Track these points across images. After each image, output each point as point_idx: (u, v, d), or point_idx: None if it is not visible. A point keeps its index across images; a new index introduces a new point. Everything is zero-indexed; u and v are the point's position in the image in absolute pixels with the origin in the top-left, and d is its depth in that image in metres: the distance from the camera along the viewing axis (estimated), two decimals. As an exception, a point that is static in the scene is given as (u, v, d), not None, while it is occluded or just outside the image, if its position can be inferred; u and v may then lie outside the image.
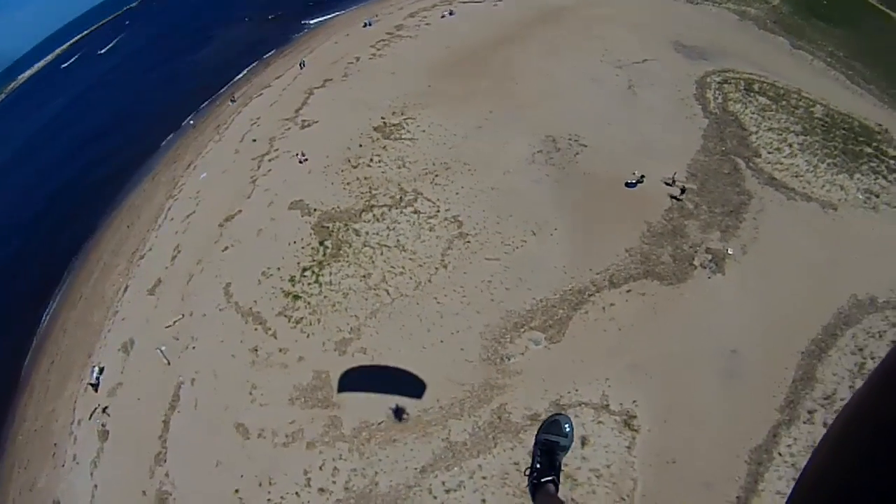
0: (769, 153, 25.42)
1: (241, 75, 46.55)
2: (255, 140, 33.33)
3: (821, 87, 30.88)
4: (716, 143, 26.17)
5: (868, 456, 0.53)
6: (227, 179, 30.66)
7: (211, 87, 45.11)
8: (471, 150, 27.08)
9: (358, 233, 23.37)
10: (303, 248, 23.66)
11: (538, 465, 2.33)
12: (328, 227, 24.07)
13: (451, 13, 44.03)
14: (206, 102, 43.54)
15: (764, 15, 39.61)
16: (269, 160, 30.73)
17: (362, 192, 25.53)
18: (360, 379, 18.43)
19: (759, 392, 17.37)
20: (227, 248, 25.56)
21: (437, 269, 20.99)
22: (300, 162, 28.29)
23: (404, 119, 30.49)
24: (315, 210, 25.34)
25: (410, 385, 17.87)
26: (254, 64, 47.67)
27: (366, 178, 26.41)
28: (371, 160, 27.65)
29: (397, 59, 38.39)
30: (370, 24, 44.91)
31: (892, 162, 26.07)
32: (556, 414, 2.45)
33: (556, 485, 2.33)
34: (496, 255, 21.03)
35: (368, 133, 30.04)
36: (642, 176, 23.79)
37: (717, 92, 29.13)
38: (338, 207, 25.05)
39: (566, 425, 2.37)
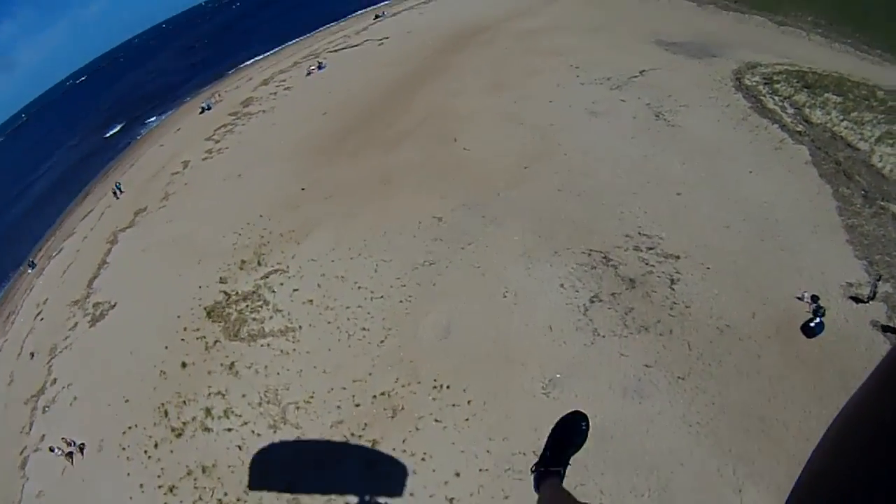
0: (909, 185, 14.33)
1: (52, 226, 29.87)
2: (32, 355, 16.86)
3: (851, 66, 21.38)
4: (845, 183, 14.39)
5: (868, 456, 0.51)
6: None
7: (15, 255, 28.72)
8: (432, 336, 12.19)
9: None
10: None
11: (547, 454, 2.21)
12: None
13: (319, 66, 31.11)
14: (8, 282, 26.72)
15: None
16: (44, 409, 13.75)
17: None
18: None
19: None
20: None
21: None
22: (68, 459, 11.06)
23: (264, 277, 14.98)
24: None
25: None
26: (69, 205, 31.65)
27: (207, 488, 10.24)
28: (208, 414, 11.65)
29: (244, 151, 23.48)
30: (208, 109, 32.15)
31: None
32: (576, 412, 2.25)
33: (562, 477, 2.21)
34: None
35: (196, 327, 14.14)
36: (815, 297, 10.97)
37: (774, 97, 17.99)
38: None
39: (583, 423, 2.25)
